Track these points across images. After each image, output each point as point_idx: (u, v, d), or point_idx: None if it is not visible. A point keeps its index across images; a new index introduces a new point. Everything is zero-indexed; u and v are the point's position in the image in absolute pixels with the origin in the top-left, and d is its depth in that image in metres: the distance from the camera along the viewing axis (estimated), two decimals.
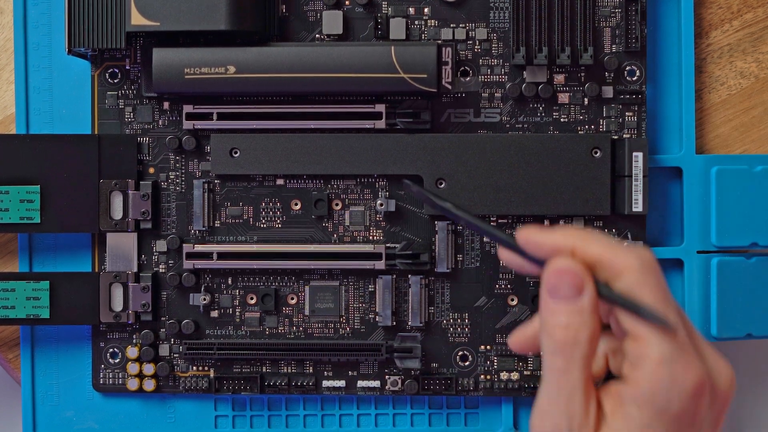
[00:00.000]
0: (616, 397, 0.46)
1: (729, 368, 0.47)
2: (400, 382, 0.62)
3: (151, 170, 0.62)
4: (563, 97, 0.61)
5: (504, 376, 0.62)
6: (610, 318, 0.48)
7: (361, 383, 0.62)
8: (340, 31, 0.62)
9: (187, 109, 0.61)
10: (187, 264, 0.61)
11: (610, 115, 0.61)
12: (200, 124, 0.61)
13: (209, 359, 0.62)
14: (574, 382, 0.45)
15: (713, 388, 0.46)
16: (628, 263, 0.46)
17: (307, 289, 0.62)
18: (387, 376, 0.62)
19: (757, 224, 0.61)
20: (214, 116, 0.61)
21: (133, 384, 0.62)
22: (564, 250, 0.47)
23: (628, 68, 0.61)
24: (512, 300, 0.62)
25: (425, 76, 0.59)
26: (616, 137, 0.61)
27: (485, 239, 0.62)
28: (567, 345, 0.45)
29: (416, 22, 0.62)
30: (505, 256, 0.49)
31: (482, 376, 0.62)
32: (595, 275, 0.46)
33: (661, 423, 0.45)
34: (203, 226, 0.62)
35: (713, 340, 0.61)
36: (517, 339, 0.50)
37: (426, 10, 0.62)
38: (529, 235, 0.48)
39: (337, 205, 0.62)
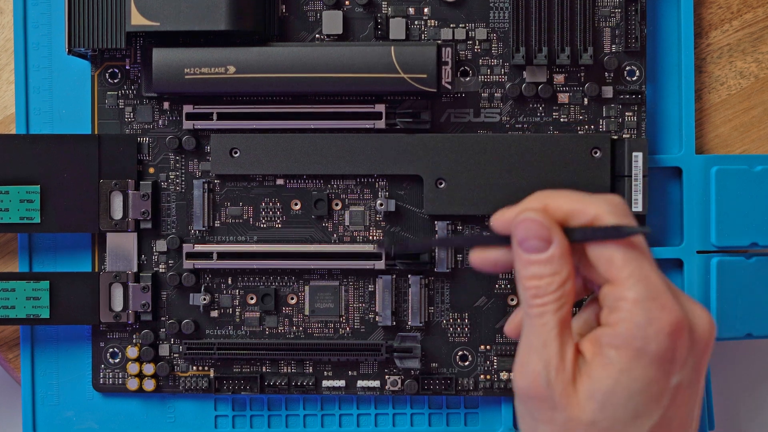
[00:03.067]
0: (595, 342, 0.46)
1: (707, 314, 0.47)
2: (399, 382, 0.62)
3: (151, 170, 0.62)
4: (563, 97, 0.61)
5: (504, 375, 0.62)
6: (590, 273, 0.48)
7: (360, 383, 0.62)
8: (340, 31, 0.62)
9: (187, 109, 0.61)
10: (187, 264, 0.62)
11: (609, 115, 0.62)
12: (200, 124, 0.61)
13: (209, 359, 0.62)
14: (549, 329, 0.46)
15: (692, 331, 0.46)
16: (599, 209, 0.47)
17: (307, 289, 0.62)
18: (387, 376, 0.62)
19: (757, 224, 0.61)
20: (214, 116, 0.61)
21: (133, 384, 0.62)
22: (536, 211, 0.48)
23: (627, 68, 0.61)
24: (512, 300, 0.62)
25: (425, 76, 0.59)
26: (615, 137, 0.61)
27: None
28: (539, 294, 0.47)
29: (416, 22, 0.62)
30: (477, 259, 0.50)
31: (482, 376, 0.62)
32: (561, 223, 0.47)
33: (640, 365, 0.45)
34: (203, 226, 0.62)
35: None
36: (512, 325, 0.51)
37: (426, 10, 0.62)
38: (499, 216, 0.49)
39: (337, 205, 0.62)
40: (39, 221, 0.61)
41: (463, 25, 0.62)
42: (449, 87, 0.60)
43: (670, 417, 0.46)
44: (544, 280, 0.46)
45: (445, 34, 0.62)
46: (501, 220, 0.49)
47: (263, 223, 0.62)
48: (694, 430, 0.48)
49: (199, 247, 0.61)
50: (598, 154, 0.60)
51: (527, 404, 0.47)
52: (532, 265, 0.47)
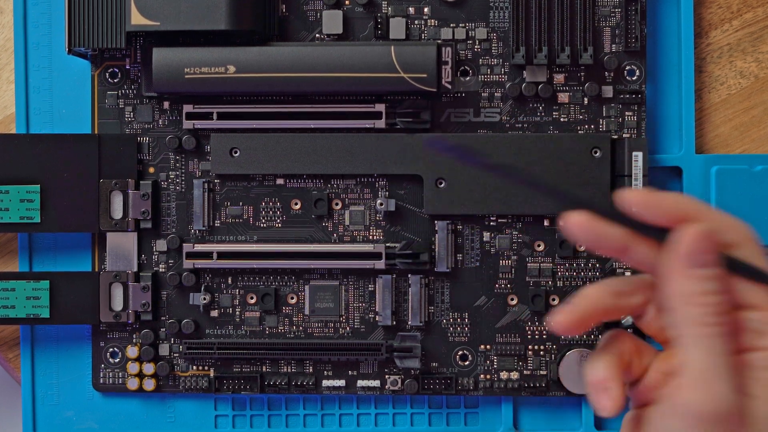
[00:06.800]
0: (751, 367, 0.44)
1: None
2: (399, 381, 0.62)
3: (151, 170, 0.62)
4: (563, 97, 0.61)
5: (504, 375, 0.62)
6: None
7: (360, 383, 0.62)
8: (340, 31, 0.62)
9: (187, 108, 0.61)
10: (187, 264, 0.62)
11: (609, 115, 0.62)
12: (200, 124, 0.61)
13: (209, 359, 0.62)
14: (728, 349, 0.44)
15: None
16: (744, 233, 0.45)
17: (306, 288, 0.62)
18: (387, 376, 0.62)
19: (757, 224, 0.61)
20: (214, 116, 0.61)
21: (133, 384, 0.62)
22: (685, 217, 0.44)
23: (627, 68, 0.61)
24: (512, 299, 0.62)
25: (425, 75, 0.59)
26: (615, 137, 0.61)
27: (486, 238, 0.62)
28: (718, 311, 0.44)
29: (416, 22, 0.62)
30: (586, 226, 0.44)
31: (482, 376, 0.62)
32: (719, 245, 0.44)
33: None
34: (203, 226, 0.62)
35: None
36: (568, 319, 0.45)
37: (426, 9, 0.62)
38: (641, 197, 0.44)
39: (337, 204, 0.62)
40: (39, 221, 0.61)
41: (463, 25, 0.62)
42: (449, 87, 0.60)
43: None
44: (718, 298, 0.44)
45: (445, 33, 0.62)
46: (645, 203, 0.44)
47: (263, 223, 0.62)
48: None
49: (199, 247, 0.61)
50: (598, 154, 0.60)
51: (713, 429, 0.44)
52: (705, 280, 0.43)
